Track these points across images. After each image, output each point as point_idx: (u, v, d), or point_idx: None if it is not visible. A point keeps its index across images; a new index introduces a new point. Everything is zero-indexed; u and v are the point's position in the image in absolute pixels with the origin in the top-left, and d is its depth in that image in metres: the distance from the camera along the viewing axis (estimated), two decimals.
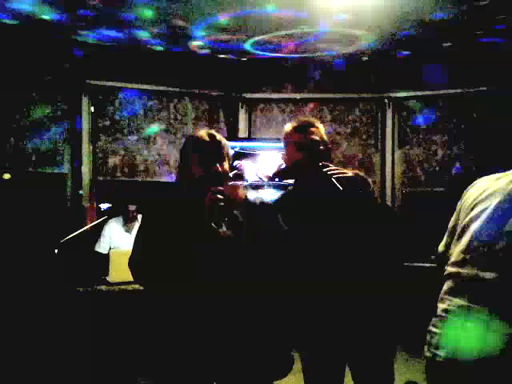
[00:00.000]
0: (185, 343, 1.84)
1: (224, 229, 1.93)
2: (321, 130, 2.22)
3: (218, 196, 1.86)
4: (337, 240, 2.03)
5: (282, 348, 2.13)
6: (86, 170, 4.98)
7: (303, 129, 2.19)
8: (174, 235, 1.81)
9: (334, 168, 2.07)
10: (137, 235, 1.97)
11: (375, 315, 2.06)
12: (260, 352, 1.98)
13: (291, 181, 2.32)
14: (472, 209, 1.60)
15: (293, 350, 2.24)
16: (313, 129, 2.19)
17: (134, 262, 1.90)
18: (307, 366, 2.13)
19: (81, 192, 4.95)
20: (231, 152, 2.08)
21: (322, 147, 2.17)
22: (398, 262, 2.18)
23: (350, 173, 2.08)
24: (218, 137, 2.00)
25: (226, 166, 1.99)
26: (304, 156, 2.13)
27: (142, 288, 2.43)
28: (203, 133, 2.00)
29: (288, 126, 2.26)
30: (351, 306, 2.02)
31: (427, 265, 5.00)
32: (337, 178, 2.01)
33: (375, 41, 4.62)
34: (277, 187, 2.42)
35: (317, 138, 2.17)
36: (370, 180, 2.15)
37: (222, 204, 1.86)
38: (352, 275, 2.01)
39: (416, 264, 4.95)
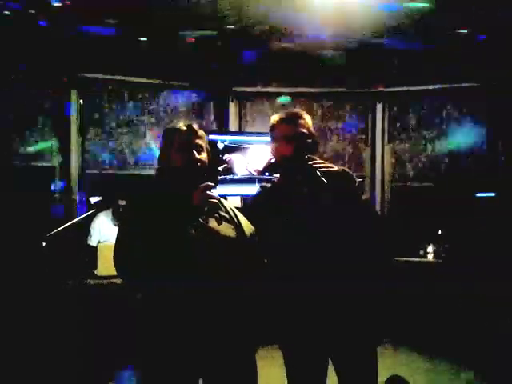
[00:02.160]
0: (171, 338, 1.82)
1: (214, 224, 1.92)
2: (308, 121, 2.17)
3: (209, 193, 1.85)
4: (318, 235, 2.02)
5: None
6: (74, 163, 4.95)
7: (291, 120, 2.14)
8: (158, 229, 1.79)
9: (319, 161, 2.05)
10: (120, 231, 1.92)
11: (357, 308, 2.05)
12: (244, 347, 1.96)
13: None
14: None
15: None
16: (301, 121, 2.14)
17: (120, 258, 1.85)
18: (289, 360, 2.11)
19: (70, 185, 4.93)
20: (220, 146, 2.06)
21: (309, 140, 2.13)
22: (379, 256, 2.18)
23: (335, 167, 2.06)
24: (197, 128, 2.04)
25: (205, 156, 2.00)
26: (292, 149, 2.09)
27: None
28: (181, 123, 2.04)
29: (275, 118, 2.19)
30: (333, 299, 2.02)
31: (416, 259, 5.05)
32: (322, 172, 1.99)
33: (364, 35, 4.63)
34: (265, 181, 2.39)
35: (304, 130, 2.12)
36: (355, 177, 2.12)
37: (212, 200, 1.85)
38: (334, 268, 2.00)
39: (404, 258, 4.99)
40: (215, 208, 1.88)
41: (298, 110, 2.27)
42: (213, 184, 1.88)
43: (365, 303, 2.08)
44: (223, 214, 1.99)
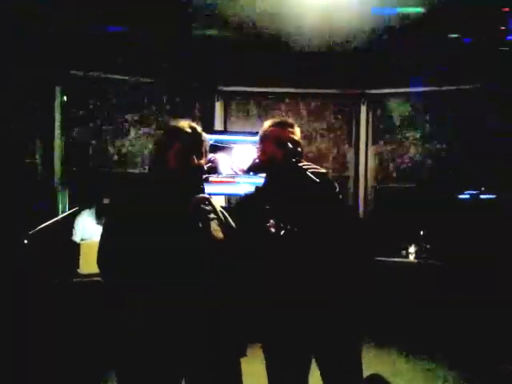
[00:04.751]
0: (154, 339, 1.80)
1: (211, 229, 1.89)
2: (298, 133, 2.26)
3: (205, 207, 1.82)
4: (303, 234, 2.04)
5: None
6: (58, 159, 4.91)
7: (284, 126, 2.22)
8: (147, 232, 1.73)
9: (307, 163, 2.09)
10: (105, 233, 1.83)
11: (341, 308, 2.07)
12: (228, 348, 1.95)
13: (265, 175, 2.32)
14: None
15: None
16: (292, 129, 2.23)
17: (105, 262, 1.79)
18: (271, 360, 2.12)
19: (53, 182, 4.88)
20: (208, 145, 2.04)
21: (298, 148, 2.17)
22: (361, 256, 2.21)
23: (322, 169, 2.10)
24: (200, 130, 1.95)
25: (203, 161, 1.93)
26: (282, 152, 2.12)
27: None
28: (185, 124, 1.94)
29: (268, 122, 2.28)
30: (316, 299, 2.03)
31: (398, 259, 5.11)
32: (312, 173, 2.03)
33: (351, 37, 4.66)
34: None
35: (296, 137, 2.21)
36: (335, 183, 2.17)
37: (208, 216, 1.82)
38: (317, 269, 2.02)
39: (386, 258, 5.05)
40: (209, 220, 1.85)
41: (289, 119, 2.34)
42: (207, 197, 1.86)
43: (347, 303, 2.11)
44: (213, 216, 1.95)
